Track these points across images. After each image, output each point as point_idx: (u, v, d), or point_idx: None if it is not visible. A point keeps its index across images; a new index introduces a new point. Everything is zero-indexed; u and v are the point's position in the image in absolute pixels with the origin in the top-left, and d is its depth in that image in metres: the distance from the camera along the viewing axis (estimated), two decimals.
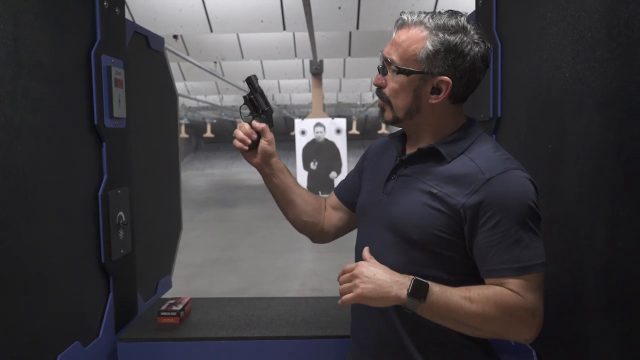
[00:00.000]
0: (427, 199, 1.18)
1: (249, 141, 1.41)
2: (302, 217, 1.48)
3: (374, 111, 20.92)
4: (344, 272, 1.15)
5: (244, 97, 1.46)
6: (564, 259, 1.28)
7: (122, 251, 1.79)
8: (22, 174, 1.31)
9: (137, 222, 1.94)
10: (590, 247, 1.16)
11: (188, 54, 8.10)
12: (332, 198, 1.53)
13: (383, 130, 20.38)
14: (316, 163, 10.77)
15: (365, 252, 1.20)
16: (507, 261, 1.10)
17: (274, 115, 1.47)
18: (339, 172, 10.52)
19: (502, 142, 1.67)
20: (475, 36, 1.16)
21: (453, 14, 1.17)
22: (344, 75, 11.90)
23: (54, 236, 1.44)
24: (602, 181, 1.10)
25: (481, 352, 1.25)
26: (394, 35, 1.21)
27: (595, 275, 1.14)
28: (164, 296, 2.24)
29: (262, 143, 1.41)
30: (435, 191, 1.17)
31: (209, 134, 22.96)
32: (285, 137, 23.52)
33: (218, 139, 27.95)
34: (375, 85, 1.25)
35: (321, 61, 10.82)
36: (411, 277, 1.09)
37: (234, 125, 24.84)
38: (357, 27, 6.69)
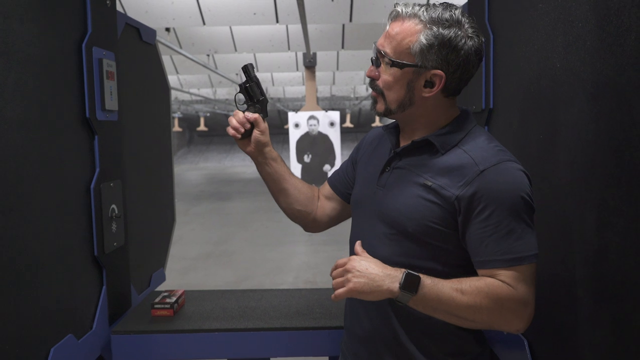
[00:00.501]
0: (421, 191, 1.18)
1: (242, 130, 1.41)
2: (295, 206, 1.48)
3: (368, 104, 20.88)
4: (336, 267, 1.16)
5: (240, 85, 1.45)
6: (555, 248, 1.29)
7: (115, 244, 1.79)
8: (13, 167, 1.30)
9: (130, 214, 1.94)
10: (580, 236, 1.17)
11: (181, 47, 8.06)
12: (326, 188, 1.53)
13: (377, 123, 20.38)
14: (310, 156, 10.76)
15: (358, 246, 1.20)
16: (500, 252, 1.11)
17: (267, 107, 1.47)
18: (332, 165, 10.52)
19: (494, 133, 1.68)
20: (470, 30, 1.16)
21: (447, 6, 1.17)
22: (337, 68, 11.87)
23: (46, 229, 1.44)
24: (592, 171, 1.11)
25: (474, 343, 1.26)
26: (387, 27, 1.20)
27: (586, 264, 1.15)
28: (157, 289, 2.24)
29: (255, 133, 1.41)
30: (429, 183, 1.18)
31: (202, 127, 22.86)
32: (278, 130, 23.48)
33: (211, 132, 27.85)
34: (369, 77, 1.25)
35: (314, 54, 10.78)
36: (403, 270, 1.10)
37: (227, 118, 24.73)
38: (350, 20, 6.67)
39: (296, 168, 10.43)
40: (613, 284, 1.04)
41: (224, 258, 7.36)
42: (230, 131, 1.42)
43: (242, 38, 8.53)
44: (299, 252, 7.54)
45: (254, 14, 6.55)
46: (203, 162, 29.20)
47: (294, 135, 10.70)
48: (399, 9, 1.18)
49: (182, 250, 7.48)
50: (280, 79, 14.55)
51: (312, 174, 10.33)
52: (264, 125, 1.42)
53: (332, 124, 10.73)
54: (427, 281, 1.10)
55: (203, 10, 6.43)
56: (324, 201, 1.52)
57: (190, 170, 24.25)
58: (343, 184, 1.49)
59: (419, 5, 1.17)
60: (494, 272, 1.12)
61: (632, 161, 0.95)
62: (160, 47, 2.45)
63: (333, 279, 1.15)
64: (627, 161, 0.97)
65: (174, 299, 1.89)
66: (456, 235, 1.17)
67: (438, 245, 1.18)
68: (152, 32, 2.22)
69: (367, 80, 1.40)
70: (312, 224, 1.52)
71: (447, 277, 1.17)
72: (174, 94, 16.24)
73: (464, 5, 1.92)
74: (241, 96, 1.46)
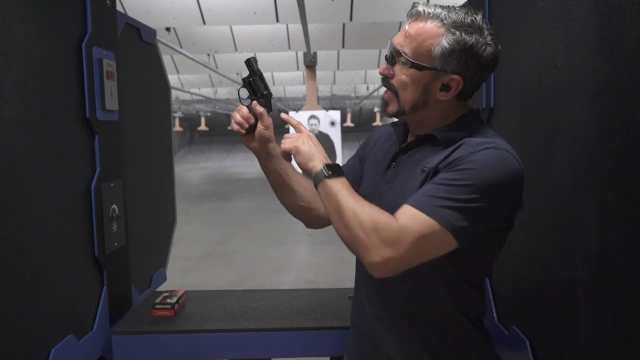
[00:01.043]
0: (420, 177, 1.17)
1: (247, 125, 1.39)
2: (299, 202, 1.47)
3: (369, 103, 20.91)
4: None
5: (243, 80, 1.43)
6: (555, 247, 1.29)
7: (115, 244, 1.79)
8: (13, 168, 1.30)
9: (131, 215, 1.94)
10: (580, 235, 1.16)
11: (181, 47, 8.06)
12: None
13: (377, 122, 20.36)
14: None
15: (302, 126, 1.32)
16: (420, 194, 1.09)
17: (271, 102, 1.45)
18: None
19: (495, 132, 1.68)
20: (489, 37, 1.15)
21: (469, 10, 1.15)
22: (337, 68, 11.88)
23: (46, 229, 1.44)
24: (592, 170, 1.10)
25: (480, 340, 1.26)
26: (406, 26, 1.18)
27: (586, 263, 1.15)
28: (158, 289, 2.24)
29: (260, 128, 1.39)
30: (426, 169, 1.17)
31: (203, 127, 22.87)
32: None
33: (212, 132, 27.85)
34: (382, 74, 1.23)
35: (315, 53, 10.79)
36: (335, 163, 1.20)
37: (228, 118, 24.77)
38: (351, 19, 6.67)
39: (296, 167, 10.44)
40: (614, 283, 1.04)
41: (225, 258, 7.36)
42: (235, 126, 1.40)
43: (242, 37, 8.54)
44: (300, 252, 7.54)
45: (254, 13, 6.55)
46: (204, 161, 29.22)
47: None
48: (420, 8, 1.15)
49: (183, 250, 7.48)
50: (281, 78, 14.56)
51: None
52: (268, 120, 1.40)
53: (332, 124, 10.73)
54: (343, 180, 1.16)
55: (203, 9, 6.43)
56: None
57: (191, 170, 24.26)
58: (350, 180, 1.48)
59: (440, 6, 1.15)
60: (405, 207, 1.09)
61: (633, 160, 0.95)
62: (161, 47, 2.45)
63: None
64: (628, 160, 0.96)
65: (174, 299, 1.89)
66: None
67: None
68: (152, 32, 2.21)
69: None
70: (314, 220, 1.51)
71: (455, 273, 1.17)
72: (174, 93, 16.24)
73: (464, 4, 1.92)
74: (245, 91, 1.43)
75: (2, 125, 1.26)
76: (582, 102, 1.14)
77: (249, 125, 1.39)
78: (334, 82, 15.33)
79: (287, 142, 1.27)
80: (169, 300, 1.87)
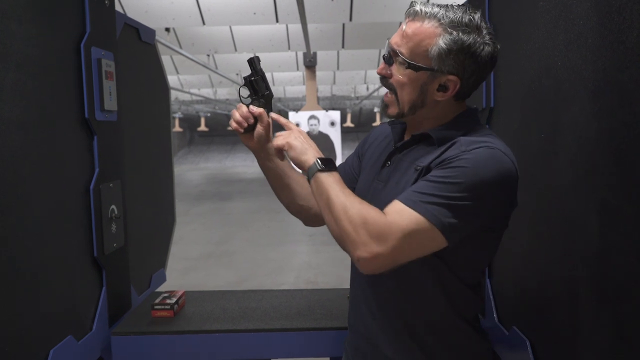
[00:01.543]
0: (413, 175, 1.17)
1: (245, 125, 1.38)
2: (297, 201, 1.47)
3: (368, 104, 20.91)
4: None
5: (244, 79, 1.42)
6: (556, 248, 1.28)
7: (114, 245, 1.79)
8: (12, 168, 1.29)
9: (130, 215, 1.93)
10: (581, 236, 1.16)
11: (180, 47, 8.06)
12: None
13: (377, 122, 20.36)
14: None
15: (291, 124, 1.34)
16: (411, 191, 1.09)
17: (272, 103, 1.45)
18: None
19: (495, 132, 1.67)
20: (487, 37, 1.14)
21: (467, 10, 1.14)
22: (337, 68, 11.88)
23: (45, 230, 1.43)
24: (593, 170, 1.10)
25: (477, 339, 1.26)
26: (404, 25, 1.17)
27: (587, 264, 1.14)
28: (158, 289, 2.23)
29: (259, 128, 1.38)
30: (419, 167, 1.16)
31: (202, 127, 22.87)
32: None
33: (212, 132, 27.84)
34: (380, 74, 1.23)
35: (315, 53, 10.79)
36: (329, 158, 1.21)
37: (228, 118, 24.75)
38: (350, 19, 6.67)
39: (297, 168, 10.45)
40: (615, 283, 1.04)
41: (224, 258, 7.36)
42: (233, 125, 1.39)
43: (242, 38, 8.54)
44: (300, 252, 7.54)
45: (254, 13, 6.55)
46: (204, 162, 29.21)
47: None
48: (417, 8, 1.14)
49: (183, 251, 7.48)
50: (281, 78, 14.56)
51: None
52: (268, 120, 1.39)
53: (332, 124, 10.74)
54: (335, 175, 1.17)
55: (203, 10, 6.43)
56: None
57: (191, 171, 24.26)
58: (347, 178, 1.48)
59: (438, 5, 1.14)
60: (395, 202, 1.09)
61: (633, 160, 0.94)
62: (161, 47, 2.45)
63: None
64: (629, 160, 0.96)
65: (174, 299, 1.88)
66: None
67: None
68: (152, 32, 2.21)
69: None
70: (313, 218, 1.51)
71: (451, 273, 1.17)
72: (174, 94, 16.24)
73: (464, 3, 1.91)
74: (246, 90, 1.43)
75: (1, 126, 1.25)
76: (583, 102, 1.13)
77: (248, 125, 1.39)
78: (334, 83, 15.34)
79: (279, 139, 1.28)
80: (168, 301, 1.87)
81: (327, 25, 8.09)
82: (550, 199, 1.31)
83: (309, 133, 10.65)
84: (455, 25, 1.11)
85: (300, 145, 1.24)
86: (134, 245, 1.98)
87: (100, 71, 1.68)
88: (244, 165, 25.10)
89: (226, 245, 8.21)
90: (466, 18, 1.12)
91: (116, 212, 1.78)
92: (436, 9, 1.13)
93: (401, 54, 1.16)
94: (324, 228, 1.53)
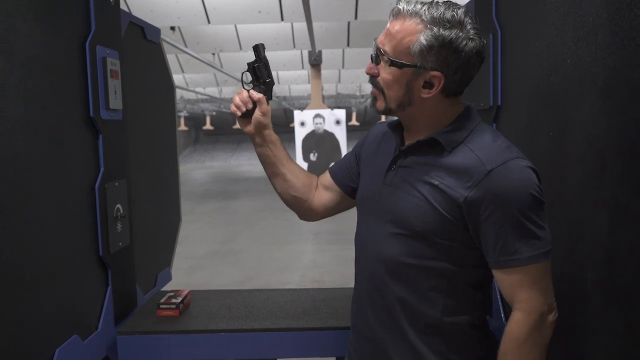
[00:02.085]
0: (429, 191, 1.17)
1: (244, 109, 1.42)
2: (290, 192, 1.48)
3: None
4: None
5: (248, 64, 1.45)
6: (564, 247, 1.27)
7: (120, 244, 1.78)
8: (17, 167, 1.29)
9: (136, 214, 1.93)
10: (591, 235, 1.15)
11: (186, 46, 8.06)
12: (326, 177, 1.53)
13: (382, 121, 20.33)
14: (316, 154, 10.77)
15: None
16: (512, 252, 1.10)
17: (273, 106, 1.46)
18: None
19: (502, 130, 1.66)
20: (472, 31, 1.13)
21: (450, 5, 1.14)
22: (342, 66, 11.86)
23: (50, 229, 1.43)
24: (603, 169, 1.08)
25: (483, 341, 1.25)
26: (388, 24, 1.19)
27: (596, 263, 1.13)
28: (163, 289, 2.23)
29: (257, 114, 1.41)
30: (436, 182, 1.17)
31: (208, 126, 22.92)
32: (284, 129, 23.48)
33: (217, 131, 27.92)
34: (368, 74, 1.24)
35: (320, 52, 10.77)
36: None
37: (233, 117, 24.78)
38: (356, 17, 6.66)
39: (302, 166, 10.43)
40: (624, 283, 1.02)
41: (230, 257, 7.36)
42: (232, 108, 1.43)
43: (247, 36, 8.53)
44: (306, 251, 7.54)
45: (259, 12, 6.55)
46: (209, 161, 29.28)
47: (300, 134, 10.71)
48: (400, 6, 1.16)
49: (189, 250, 7.48)
50: (286, 77, 14.55)
51: (318, 172, 10.26)
52: (266, 107, 1.42)
53: (338, 122, 10.73)
54: None
55: (208, 8, 6.43)
56: (323, 191, 1.52)
57: (196, 169, 24.32)
58: (344, 175, 1.48)
59: (421, 3, 1.14)
60: (507, 271, 1.12)
61: None
62: (166, 46, 2.44)
63: None
64: (639, 158, 0.95)
65: (179, 299, 1.88)
66: (466, 234, 1.15)
67: (447, 244, 1.17)
68: (157, 31, 2.20)
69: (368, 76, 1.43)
70: (307, 211, 1.52)
71: (457, 276, 1.17)
72: (179, 92, 16.26)
73: (470, 1, 1.90)
74: (248, 75, 1.46)
75: (6, 125, 1.25)
76: (592, 100, 1.12)
77: (247, 109, 1.42)
78: (339, 81, 15.32)
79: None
80: (173, 300, 1.86)
81: (332, 24, 8.08)
82: (560, 198, 1.29)
83: (314, 132, 10.66)
84: (436, 21, 1.12)
85: None
86: (140, 244, 1.98)
87: (106, 70, 1.67)
88: (250, 163, 25.12)
89: (232, 244, 8.21)
90: (448, 14, 1.12)
91: (121, 211, 1.78)
92: (419, 7, 1.14)
93: (385, 52, 1.18)
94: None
